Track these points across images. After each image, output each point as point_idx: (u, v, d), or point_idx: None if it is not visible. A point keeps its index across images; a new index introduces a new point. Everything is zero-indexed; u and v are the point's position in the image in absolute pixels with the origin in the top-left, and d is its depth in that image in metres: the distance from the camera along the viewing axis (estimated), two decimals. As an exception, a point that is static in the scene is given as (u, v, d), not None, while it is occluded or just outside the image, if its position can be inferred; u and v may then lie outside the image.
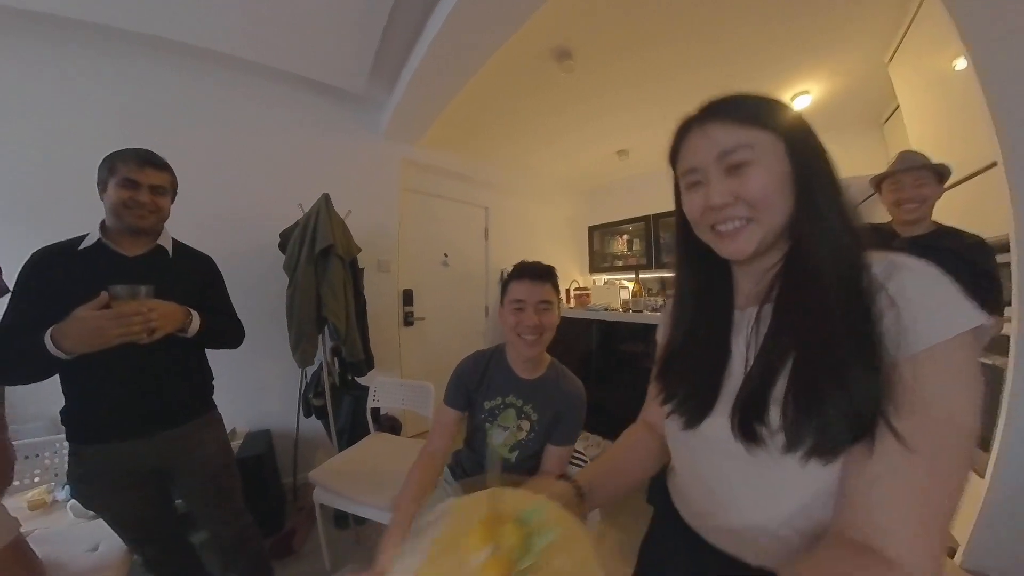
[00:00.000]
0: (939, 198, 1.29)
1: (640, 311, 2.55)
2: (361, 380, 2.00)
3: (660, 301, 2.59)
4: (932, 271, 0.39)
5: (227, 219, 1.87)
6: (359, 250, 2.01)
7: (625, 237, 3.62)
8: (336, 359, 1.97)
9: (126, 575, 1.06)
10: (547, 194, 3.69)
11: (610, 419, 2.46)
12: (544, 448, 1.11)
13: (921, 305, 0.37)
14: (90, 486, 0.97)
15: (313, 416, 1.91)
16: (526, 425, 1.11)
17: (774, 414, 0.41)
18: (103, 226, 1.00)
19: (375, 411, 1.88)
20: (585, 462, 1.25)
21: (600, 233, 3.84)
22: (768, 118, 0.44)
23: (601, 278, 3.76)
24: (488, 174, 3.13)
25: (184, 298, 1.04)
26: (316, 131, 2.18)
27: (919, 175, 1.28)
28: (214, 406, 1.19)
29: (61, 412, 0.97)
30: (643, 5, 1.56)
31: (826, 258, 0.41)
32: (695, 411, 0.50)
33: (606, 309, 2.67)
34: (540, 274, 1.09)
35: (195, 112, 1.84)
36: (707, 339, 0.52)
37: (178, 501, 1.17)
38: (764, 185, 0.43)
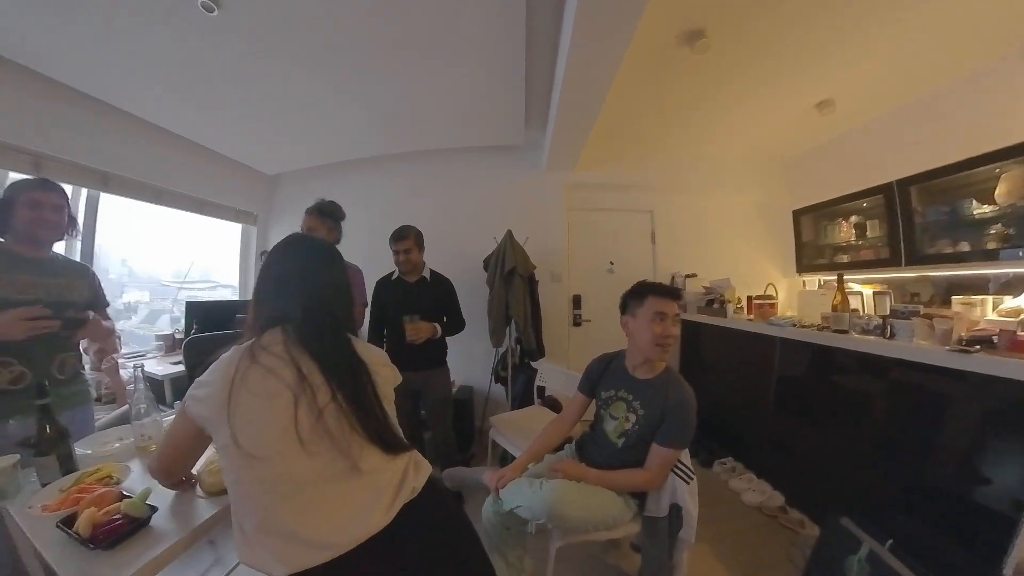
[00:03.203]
0: None
1: (844, 331, 1.83)
2: (535, 364, 2.65)
3: (876, 319, 1.81)
4: None
5: (453, 252, 2.83)
6: (535, 267, 2.70)
7: (852, 220, 2.59)
8: (518, 346, 2.70)
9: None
10: (724, 181, 3.21)
11: (788, 460, 2.11)
12: (650, 444, 1.28)
13: None
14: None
15: (499, 384, 2.73)
16: (633, 418, 1.34)
17: None
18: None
19: (540, 388, 2.47)
20: (691, 477, 1.30)
21: (812, 218, 2.87)
22: None
23: (815, 279, 2.89)
24: (649, 178, 3.15)
25: (436, 306, 1.99)
26: (497, 182, 3.06)
27: None
28: (446, 363, 2.11)
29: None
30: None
31: None
32: None
33: (794, 325, 2.09)
34: (671, 292, 1.34)
35: (426, 189, 3.09)
36: None
37: (422, 412, 2.16)
38: None
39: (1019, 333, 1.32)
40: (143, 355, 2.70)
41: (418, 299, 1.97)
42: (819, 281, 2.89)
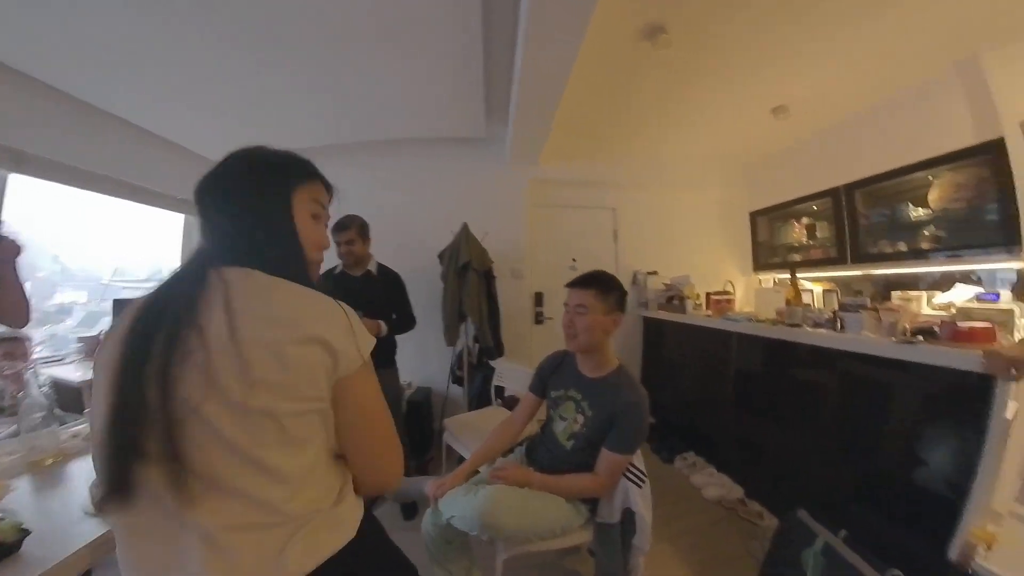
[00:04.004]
0: None
1: (797, 324, 1.92)
2: (493, 363, 2.58)
3: (827, 313, 1.89)
4: None
5: (408, 245, 2.72)
6: (492, 262, 2.59)
7: (804, 221, 2.75)
8: (476, 344, 2.63)
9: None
10: (686, 181, 3.27)
11: (747, 453, 2.13)
12: (600, 447, 1.20)
13: None
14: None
15: (457, 384, 2.64)
16: (581, 419, 1.26)
17: None
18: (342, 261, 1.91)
19: (498, 388, 2.41)
20: (644, 481, 1.22)
21: (767, 219, 3.02)
22: None
23: (770, 277, 3.00)
24: (613, 175, 3.14)
25: (382, 302, 1.85)
26: (458, 174, 2.94)
27: None
28: (394, 363, 1.98)
29: None
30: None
31: None
32: None
33: (750, 320, 2.15)
34: (582, 281, 1.28)
35: (384, 180, 2.90)
36: None
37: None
38: None
39: (959, 324, 1.38)
40: (61, 359, 2.45)
41: (361, 294, 1.83)
42: (774, 279, 3.00)
